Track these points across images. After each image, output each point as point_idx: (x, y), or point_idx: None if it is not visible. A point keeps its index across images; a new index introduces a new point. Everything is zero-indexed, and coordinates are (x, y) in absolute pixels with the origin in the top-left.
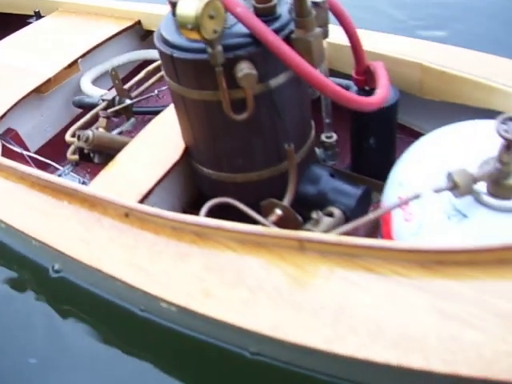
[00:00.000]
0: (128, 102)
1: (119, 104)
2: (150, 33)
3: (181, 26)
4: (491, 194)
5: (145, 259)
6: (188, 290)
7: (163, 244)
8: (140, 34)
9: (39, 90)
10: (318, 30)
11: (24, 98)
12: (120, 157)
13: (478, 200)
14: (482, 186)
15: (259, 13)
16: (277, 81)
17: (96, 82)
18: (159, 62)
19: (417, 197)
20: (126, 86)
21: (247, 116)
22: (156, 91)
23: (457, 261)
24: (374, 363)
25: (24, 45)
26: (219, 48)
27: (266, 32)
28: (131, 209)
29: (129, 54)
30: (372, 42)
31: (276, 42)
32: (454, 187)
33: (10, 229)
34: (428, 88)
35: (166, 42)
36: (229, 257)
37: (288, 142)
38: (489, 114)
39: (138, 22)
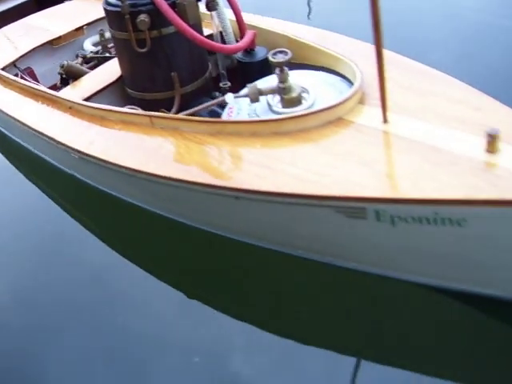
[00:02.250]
0: (107, 55)
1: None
2: None
3: None
4: (282, 104)
5: (69, 127)
6: (82, 142)
7: (82, 122)
8: None
9: (51, 43)
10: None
11: (40, 46)
12: (82, 78)
13: (270, 108)
14: (276, 99)
15: None
16: (167, 30)
17: (97, 45)
18: None
19: (223, 100)
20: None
21: (146, 50)
22: None
23: (228, 131)
24: (163, 177)
25: (54, 15)
26: (127, 3)
27: None
28: (73, 103)
29: None
30: (258, 22)
31: (160, 3)
32: (246, 95)
33: (6, 117)
34: (294, 54)
35: (105, 2)
36: (111, 128)
37: (177, 73)
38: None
39: None
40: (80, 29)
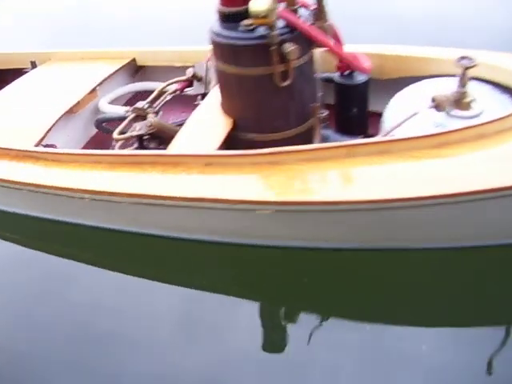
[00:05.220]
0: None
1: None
2: (141, 68)
3: (254, 16)
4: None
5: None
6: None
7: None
8: (133, 69)
9: (72, 111)
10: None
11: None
12: (178, 136)
13: (449, 114)
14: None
15: None
16: (304, 58)
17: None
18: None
19: (415, 114)
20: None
21: (289, 83)
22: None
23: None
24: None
25: (45, 80)
26: (275, 32)
27: (300, 24)
28: (211, 156)
29: (133, 84)
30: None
31: (308, 28)
32: (437, 105)
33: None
34: (386, 70)
35: (226, 37)
36: (299, 170)
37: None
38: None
39: (133, 60)
40: (93, 91)
